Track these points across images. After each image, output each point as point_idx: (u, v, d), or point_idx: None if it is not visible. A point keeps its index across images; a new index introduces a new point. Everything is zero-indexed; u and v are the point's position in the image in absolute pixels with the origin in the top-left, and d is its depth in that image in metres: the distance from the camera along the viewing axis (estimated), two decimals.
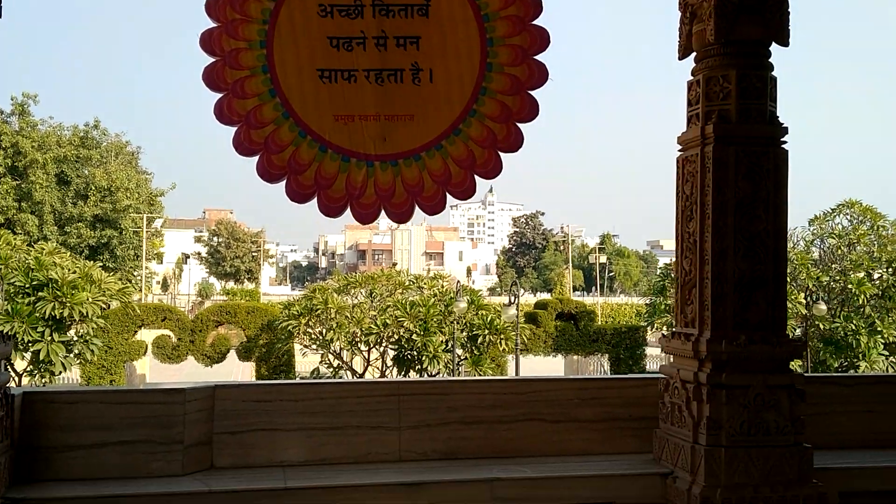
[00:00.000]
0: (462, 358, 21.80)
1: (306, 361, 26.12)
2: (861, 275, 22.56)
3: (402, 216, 4.39)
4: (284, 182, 4.39)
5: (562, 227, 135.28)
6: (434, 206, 4.42)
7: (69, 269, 19.99)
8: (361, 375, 22.62)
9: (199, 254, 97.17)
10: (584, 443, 4.82)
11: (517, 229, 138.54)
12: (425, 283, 22.92)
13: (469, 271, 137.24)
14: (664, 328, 25.00)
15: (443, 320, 21.26)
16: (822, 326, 22.62)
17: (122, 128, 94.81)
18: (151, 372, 29.69)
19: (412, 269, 79.84)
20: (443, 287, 22.82)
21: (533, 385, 4.92)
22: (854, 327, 21.95)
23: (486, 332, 21.39)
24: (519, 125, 4.50)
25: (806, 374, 4.59)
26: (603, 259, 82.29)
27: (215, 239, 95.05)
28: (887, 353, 22.29)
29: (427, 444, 4.68)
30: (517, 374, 18.86)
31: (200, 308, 68.28)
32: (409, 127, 4.43)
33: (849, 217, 24.26)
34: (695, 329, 4.40)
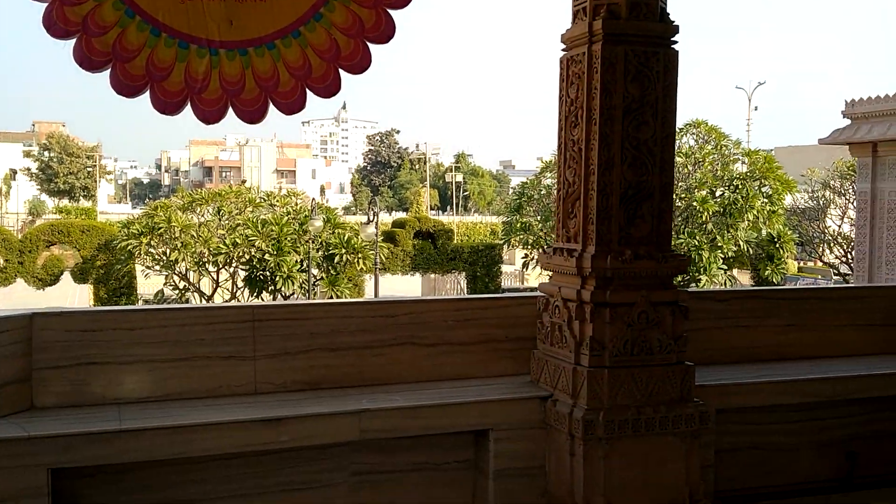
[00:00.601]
0: (318, 278, 21.24)
1: (149, 283, 24.72)
2: (704, 192, 23.57)
3: (253, 114, 3.76)
4: (109, 72, 3.64)
5: (417, 146, 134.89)
6: (291, 105, 3.81)
7: None
8: (210, 298, 21.63)
9: (28, 169, 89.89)
10: (460, 367, 4.48)
11: (372, 147, 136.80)
12: (278, 201, 21.99)
13: (323, 190, 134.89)
14: (520, 246, 25.35)
15: (297, 240, 20.55)
16: None
17: None
18: None
19: (263, 187, 77.19)
20: (297, 205, 21.98)
21: (404, 307, 4.50)
22: (697, 243, 23.01)
23: (344, 251, 20.89)
24: (389, 11, 3.92)
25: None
26: (459, 178, 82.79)
27: (46, 153, 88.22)
28: (725, 268, 23.60)
29: (287, 375, 4.20)
30: (376, 294, 18.55)
31: (31, 227, 63.43)
32: (260, 9, 3.75)
33: (695, 136, 25.16)
34: (577, 244, 4.10)
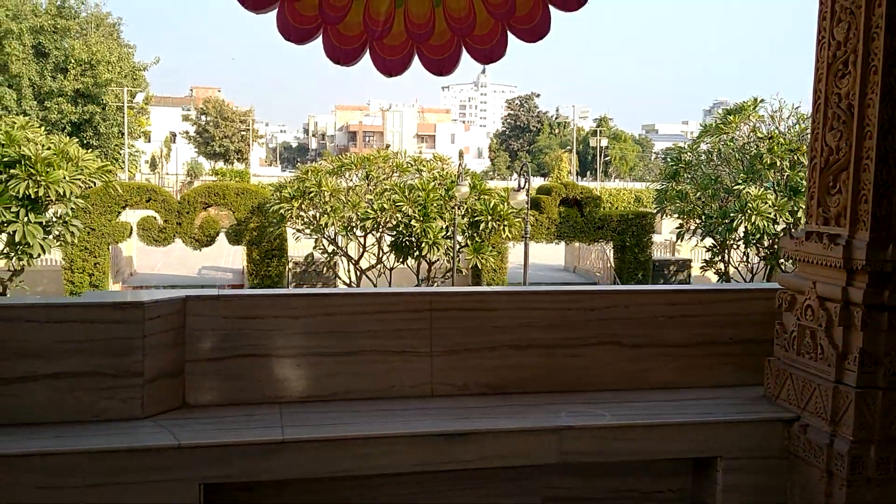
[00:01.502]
0: (462, 245, 20.74)
1: (299, 246, 25.05)
2: None
3: (443, 64, 3.08)
4: (276, 13, 3.05)
5: (557, 110, 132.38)
6: (489, 51, 3.10)
7: (43, 146, 18.53)
8: (357, 262, 21.60)
9: (186, 133, 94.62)
10: (671, 373, 3.71)
11: (511, 111, 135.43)
12: (425, 166, 21.56)
13: (461, 154, 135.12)
14: (675, 215, 23.90)
15: (443, 205, 20.07)
16: None
17: None
18: (138, 255, 28.67)
19: (404, 151, 77.56)
20: (443, 170, 21.49)
21: (605, 298, 3.75)
22: None
23: (489, 218, 20.25)
24: None
25: None
26: (605, 142, 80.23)
27: (203, 118, 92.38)
28: None
29: (467, 375, 3.56)
30: (525, 263, 17.84)
31: (189, 188, 66.78)
32: None
33: None
34: (843, 228, 3.20)
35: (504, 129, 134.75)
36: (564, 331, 3.64)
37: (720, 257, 23.88)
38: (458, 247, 20.48)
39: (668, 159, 27.01)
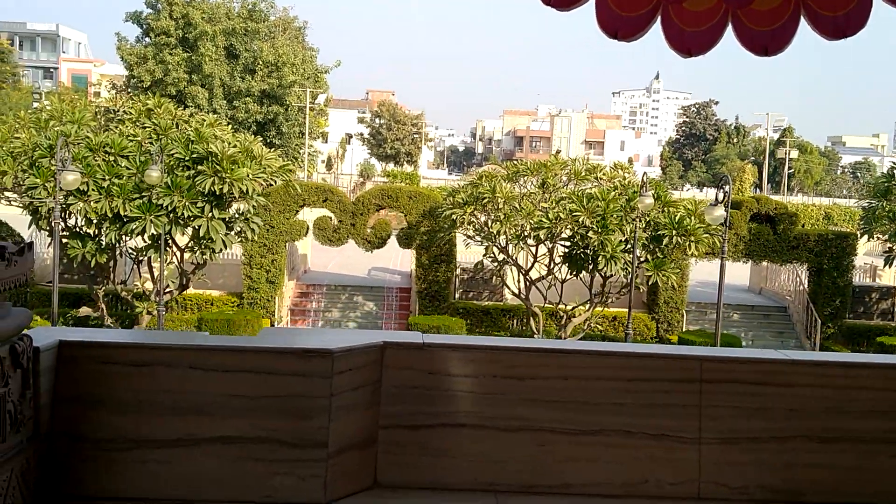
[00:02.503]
0: (641, 260, 19.42)
1: (468, 252, 24.58)
2: None
3: (770, 39, 2.15)
4: None
5: (737, 118, 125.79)
6: (845, 19, 2.13)
7: (229, 143, 19.02)
8: (527, 272, 20.78)
9: (361, 135, 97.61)
10: None
11: (686, 119, 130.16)
12: (604, 175, 20.40)
13: (630, 162, 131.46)
14: (884, 238, 21.45)
15: (623, 217, 18.85)
16: None
17: (287, 1, 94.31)
18: (313, 252, 29.23)
19: (573, 157, 75.87)
20: (624, 179, 20.26)
21: None
22: None
23: (674, 232, 18.83)
24: None
25: None
26: (794, 153, 75.05)
27: (377, 120, 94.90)
28: None
29: (749, 474, 2.62)
30: (721, 285, 16.34)
31: (362, 189, 68.53)
32: None
33: None
34: None
35: (678, 136, 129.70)
36: (888, 420, 2.61)
37: None
38: (636, 262, 19.19)
39: (881, 175, 24.28)
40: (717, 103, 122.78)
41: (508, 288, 21.65)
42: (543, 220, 18.73)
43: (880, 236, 21.84)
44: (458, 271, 24.50)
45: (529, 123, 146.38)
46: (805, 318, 24.40)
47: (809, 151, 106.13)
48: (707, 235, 18.94)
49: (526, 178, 20.13)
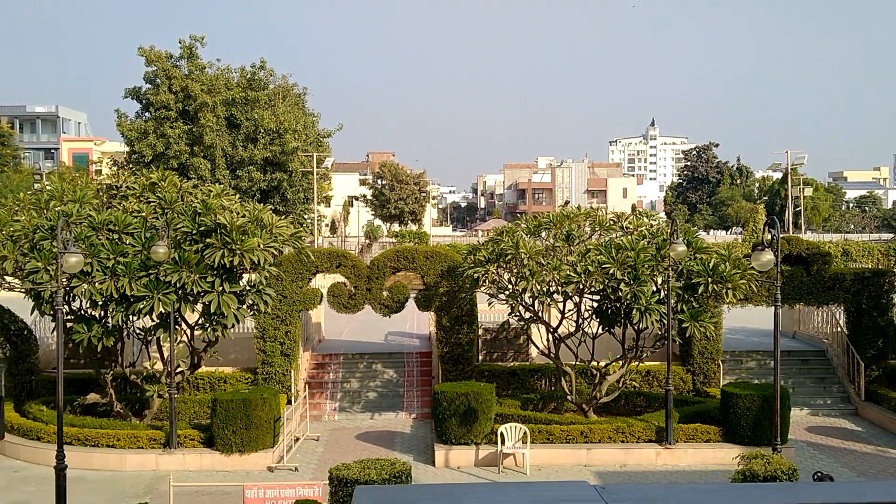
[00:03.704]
0: (676, 311, 18.40)
1: (490, 312, 23.59)
2: None
3: None
4: None
5: (738, 159, 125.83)
6: None
7: (238, 213, 18.22)
8: (555, 330, 19.74)
9: (364, 196, 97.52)
10: None
11: (688, 162, 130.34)
12: (630, 223, 19.53)
13: (634, 208, 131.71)
14: None
15: (655, 266, 17.91)
16: None
17: (285, 69, 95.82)
18: (326, 320, 28.25)
19: (572, 207, 75.19)
20: (651, 227, 19.37)
21: None
22: None
23: (709, 279, 17.85)
24: None
25: None
26: (809, 192, 74.32)
27: (380, 181, 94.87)
28: None
29: None
30: (776, 336, 15.27)
31: (369, 250, 67.89)
32: None
33: None
34: None
35: (680, 180, 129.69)
36: None
37: None
38: (671, 313, 18.18)
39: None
40: (717, 146, 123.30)
41: (536, 346, 20.59)
42: (572, 274, 17.78)
43: None
44: (481, 332, 23.46)
45: (531, 176, 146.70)
46: (846, 361, 23.26)
47: (815, 188, 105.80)
48: (744, 281, 17.96)
49: (549, 230, 19.23)
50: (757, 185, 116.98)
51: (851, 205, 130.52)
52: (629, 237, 18.68)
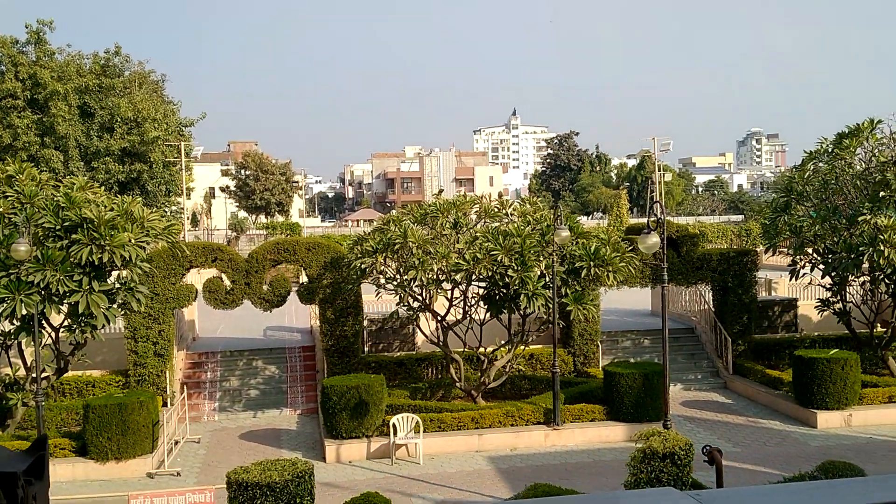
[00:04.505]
0: (561, 295, 18.72)
1: (375, 302, 23.28)
2: None
3: None
4: None
5: (597, 147, 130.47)
6: None
7: (106, 207, 17.00)
8: (443, 318, 19.68)
9: (227, 187, 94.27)
10: None
11: (550, 151, 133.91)
12: (515, 210, 19.68)
13: (500, 196, 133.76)
14: (786, 251, 21.78)
15: (540, 252, 18.15)
16: None
17: (144, 55, 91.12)
18: (199, 317, 27.06)
19: (444, 195, 75.81)
20: (535, 214, 19.58)
21: None
22: None
23: (591, 263, 18.26)
24: None
25: None
26: (668, 177, 77.80)
27: (243, 171, 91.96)
28: None
29: None
30: (663, 314, 15.74)
31: (236, 243, 65.72)
32: None
33: None
34: None
35: (544, 168, 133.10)
36: None
37: (838, 296, 21.59)
38: (557, 297, 18.48)
39: (776, 189, 24.80)
40: (577, 134, 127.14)
41: (424, 335, 20.47)
42: (460, 261, 17.74)
43: (783, 250, 22.15)
44: (367, 323, 23.11)
45: (399, 165, 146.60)
46: (714, 337, 24.46)
47: (670, 174, 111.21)
48: (624, 264, 18.49)
49: (436, 219, 19.10)
50: (615, 171, 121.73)
51: (701, 189, 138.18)
52: (514, 224, 18.83)
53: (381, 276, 18.75)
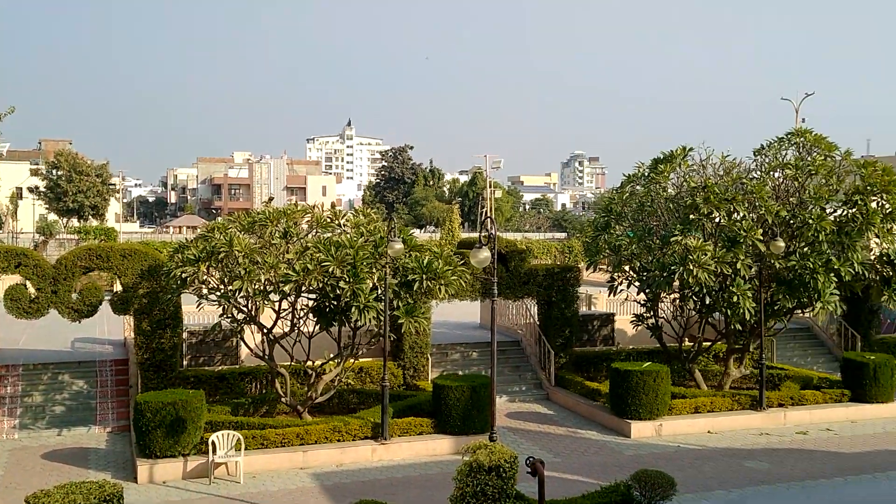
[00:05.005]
0: (393, 307, 18.61)
1: (197, 313, 22.14)
2: (819, 209, 21.01)
3: None
4: None
5: (431, 161, 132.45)
6: None
7: None
8: (270, 330, 19.01)
9: (36, 188, 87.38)
10: None
11: (385, 163, 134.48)
12: (348, 221, 19.37)
13: (333, 206, 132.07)
14: (606, 269, 22.86)
15: (373, 264, 17.94)
16: (777, 265, 20.97)
17: None
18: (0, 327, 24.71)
19: (274, 204, 74.20)
20: (369, 225, 19.36)
21: None
22: (811, 265, 20.41)
23: (423, 275, 18.27)
24: None
25: None
26: (498, 194, 79.86)
27: (55, 172, 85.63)
28: (839, 294, 20.98)
29: None
30: (493, 327, 15.90)
31: (44, 248, 60.94)
32: None
33: (798, 147, 22.63)
34: None
35: (378, 180, 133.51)
36: None
37: (651, 311, 22.89)
38: (389, 310, 18.34)
39: (597, 210, 25.97)
40: (412, 148, 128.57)
41: (249, 348, 19.69)
42: (290, 272, 17.20)
43: (603, 267, 23.21)
44: (186, 335, 21.94)
45: (227, 171, 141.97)
46: (538, 350, 25.23)
47: (501, 191, 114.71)
48: (456, 277, 18.65)
49: (265, 228, 18.45)
50: (448, 186, 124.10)
51: (528, 206, 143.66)
52: (347, 235, 18.53)
53: (204, 287, 17.84)
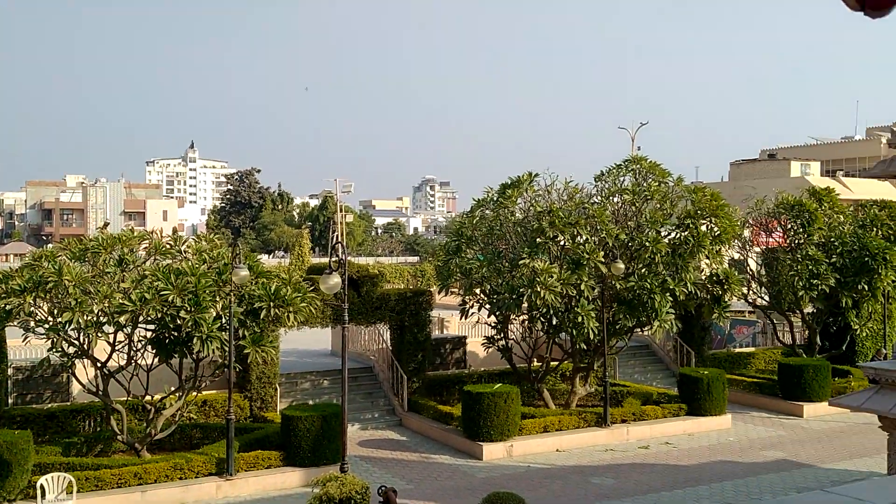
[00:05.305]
0: (238, 337, 17.89)
1: (23, 347, 20.46)
2: (655, 232, 22.12)
3: None
4: None
5: (279, 185, 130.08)
6: None
7: None
8: (104, 364, 17.77)
9: None
10: None
11: (230, 187, 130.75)
12: (190, 247, 18.51)
13: (175, 231, 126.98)
14: (458, 292, 23.02)
15: (217, 292, 17.19)
16: (618, 286, 21.86)
17: None
18: None
19: (111, 229, 70.51)
20: (212, 251, 18.57)
21: None
22: (649, 285, 21.42)
23: (271, 303, 17.70)
24: None
25: None
26: (350, 218, 79.17)
27: None
28: (674, 312, 22.14)
29: None
30: (344, 353, 15.52)
31: None
32: None
33: (635, 174, 23.79)
34: None
35: (223, 204, 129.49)
36: None
37: (501, 333, 23.26)
38: (234, 340, 17.61)
39: (448, 234, 26.17)
40: (259, 171, 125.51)
41: (80, 384, 18.33)
42: (125, 302, 16.18)
43: (455, 290, 23.38)
44: (11, 371, 20.18)
45: (59, 195, 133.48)
46: (391, 375, 25.03)
47: (354, 215, 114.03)
48: (305, 304, 18.20)
49: (98, 255, 17.30)
50: (297, 210, 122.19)
51: (380, 230, 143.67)
52: (190, 262, 17.68)
53: (31, 319, 16.47)
